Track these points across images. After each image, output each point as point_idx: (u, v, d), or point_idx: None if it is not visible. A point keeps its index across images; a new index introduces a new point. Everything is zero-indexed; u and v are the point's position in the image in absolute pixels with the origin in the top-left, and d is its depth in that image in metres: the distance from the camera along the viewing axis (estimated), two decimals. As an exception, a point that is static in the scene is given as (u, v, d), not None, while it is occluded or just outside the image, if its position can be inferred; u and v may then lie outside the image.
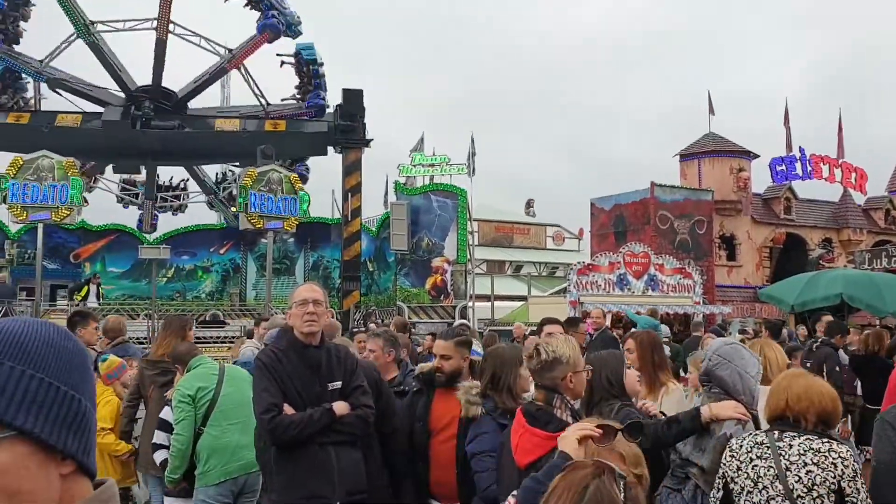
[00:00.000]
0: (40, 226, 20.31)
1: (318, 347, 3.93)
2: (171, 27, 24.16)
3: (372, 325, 13.73)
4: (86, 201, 21.66)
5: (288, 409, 3.76)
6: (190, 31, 24.80)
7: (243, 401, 4.95)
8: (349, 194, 24.13)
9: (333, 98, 25.52)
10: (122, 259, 27.17)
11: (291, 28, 24.47)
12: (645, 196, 24.73)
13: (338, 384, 3.91)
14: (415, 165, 26.74)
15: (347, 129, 24.44)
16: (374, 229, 28.13)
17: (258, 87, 25.48)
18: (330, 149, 25.41)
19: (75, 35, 23.81)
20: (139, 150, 24.78)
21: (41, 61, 24.11)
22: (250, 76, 25.39)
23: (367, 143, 25.00)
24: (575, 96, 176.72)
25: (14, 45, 24.14)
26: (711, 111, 27.42)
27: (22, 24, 24.22)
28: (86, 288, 22.06)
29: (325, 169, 27.59)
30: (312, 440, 3.76)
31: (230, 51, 25.09)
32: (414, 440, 4.51)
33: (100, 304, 20.95)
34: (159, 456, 5.19)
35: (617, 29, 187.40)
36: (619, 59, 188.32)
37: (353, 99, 24.77)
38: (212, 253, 27.96)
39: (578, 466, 1.73)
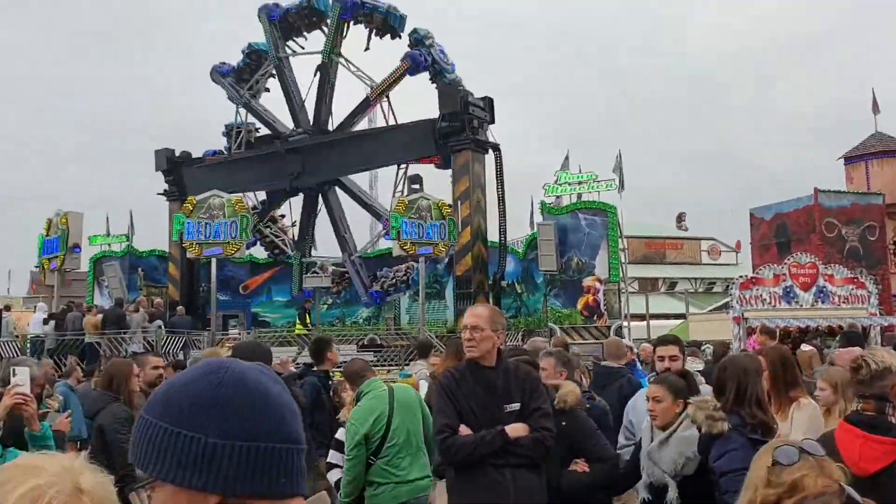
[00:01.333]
0: (213, 260, 21.85)
1: (495, 368, 3.93)
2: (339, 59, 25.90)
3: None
4: (251, 235, 23.01)
5: (464, 430, 3.79)
6: (353, 64, 26.45)
7: (413, 430, 5.09)
8: (458, 202, 23.75)
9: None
10: (285, 289, 28.75)
11: (442, 74, 25.13)
12: (808, 203, 23.30)
13: (516, 406, 3.88)
14: (561, 184, 26.44)
15: (452, 130, 23.95)
16: (520, 251, 28.08)
17: (395, 118, 26.39)
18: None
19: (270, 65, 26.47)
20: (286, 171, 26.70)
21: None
22: (391, 109, 26.31)
23: (484, 146, 24.17)
24: (722, 103, 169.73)
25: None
26: (876, 110, 25.50)
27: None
28: (307, 316, 23.52)
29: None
30: (487, 462, 3.76)
31: (374, 82, 26.14)
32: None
33: (309, 328, 22.21)
34: (333, 476, 5.39)
35: (765, 32, 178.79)
36: (769, 63, 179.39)
37: (451, 98, 23.96)
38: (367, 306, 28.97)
39: None
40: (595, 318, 24.09)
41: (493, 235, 24.86)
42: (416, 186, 24.70)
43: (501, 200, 25.26)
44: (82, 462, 1.14)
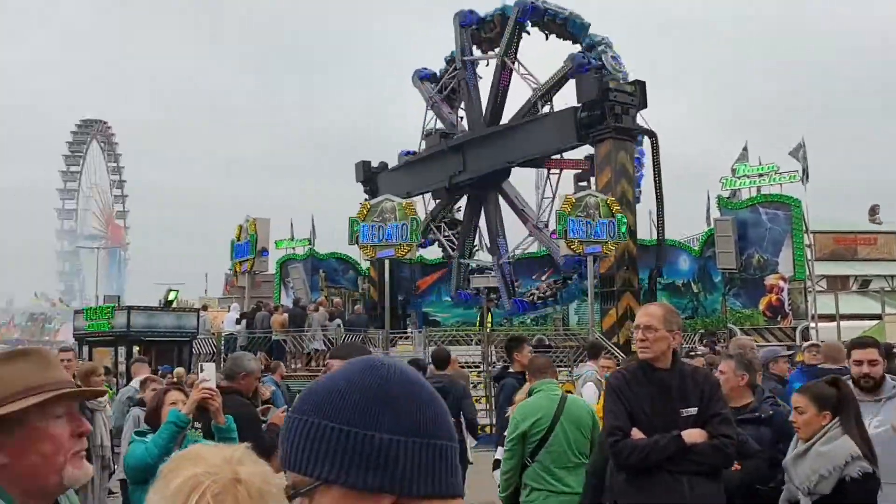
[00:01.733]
0: (386, 262, 22.68)
1: (669, 370, 3.76)
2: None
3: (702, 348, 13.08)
4: (421, 237, 23.64)
5: (636, 434, 3.65)
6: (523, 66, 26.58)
7: (576, 443, 4.97)
8: (603, 194, 22.55)
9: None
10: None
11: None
12: None
13: (693, 410, 3.69)
14: (739, 177, 25.09)
15: (592, 119, 22.92)
16: (696, 249, 26.92)
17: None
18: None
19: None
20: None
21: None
22: (551, 108, 26.08)
23: (629, 133, 22.87)
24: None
25: None
26: None
27: None
28: (489, 314, 24.00)
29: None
30: (662, 468, 3.60)
31: (539, 83, 26.07)
32: None
33: (489, 328, 22.57)
34: (497, 475, 5.48)
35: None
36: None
37: (589, 87, 22.97)
38: (534, 280, 28.85)
39: None
40: (779, 318, 22.66)
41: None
42: (584, 184, 24.35)
43: (658, 190, 24.23)
44: (244, 453, 1.17)
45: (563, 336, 23.15)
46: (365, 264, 28.65)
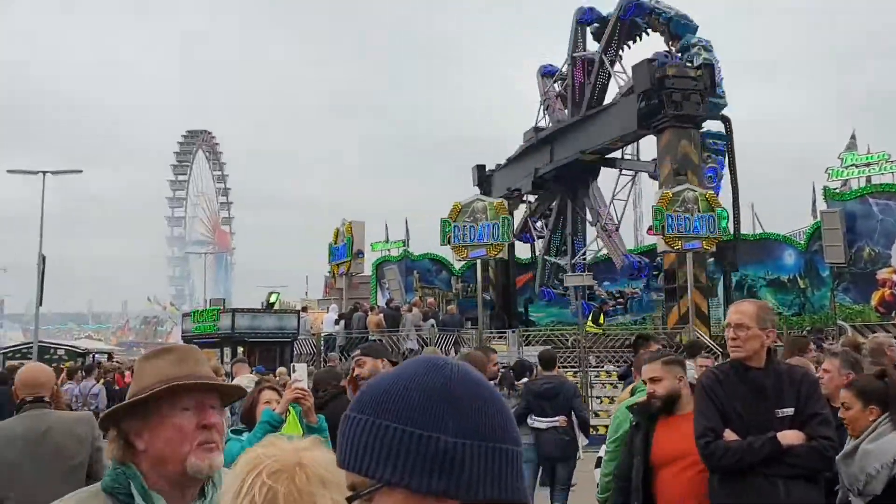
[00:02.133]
0: (478, 262, 22.76)
1: (764, 369, 3.64)
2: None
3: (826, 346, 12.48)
4: (512, 236, 23.57)
5: (729, 435, 3.55)
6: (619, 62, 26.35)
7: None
8: (662, 186, 21.79)
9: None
10: (547, 288, 29.14)
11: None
12: None
13: (789, 411, 3.55)
14: (847, 167, 23.88)
15: (650, 109, 22.01)
16: (801, 242, 25.80)
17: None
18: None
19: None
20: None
21: None
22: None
23: (692, 120, 21.68)
24: None
25: None
26: None
27: None
28: (602, 315, 23.73)
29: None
30: (756, 470, 3.48)
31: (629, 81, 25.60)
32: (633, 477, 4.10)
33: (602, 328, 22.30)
34: (597, 473, 5.40)
35: None
36: None
37: (642, 76, 22.06)
38: (631, 279, 28.31)
39: None
40: (893, 314, 21.43)
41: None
42: (682, 177, 23.71)
43: (733, 179, 23.17)
44: (316, 444, 1.22)
45: (663, 334, 22.63)
46: (458, 265, 28.83)
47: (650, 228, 23.61)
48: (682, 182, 21.67)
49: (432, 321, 20.72)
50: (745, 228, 27.31)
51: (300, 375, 4.01)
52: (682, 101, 21.90)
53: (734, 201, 23.49)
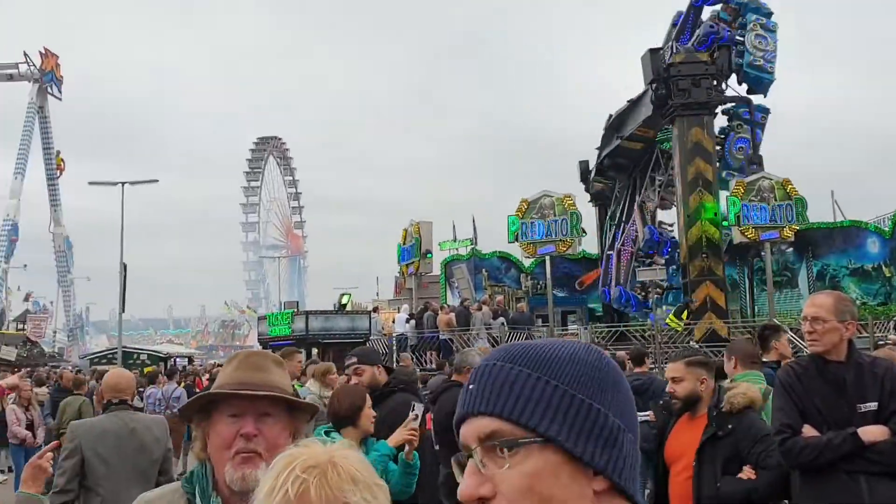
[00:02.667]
0: (548, 258, 22.56)
1: (844, 363, 3.49)
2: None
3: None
4: (584, 231, 23.27)
5: (808, 431, 3.42)
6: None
7: None
8: (675, 179, 21.03)
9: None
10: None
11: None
12: None
13: (872, 405, 3.40)
14: (934, 149, 22.78)
15: (661, 98, 21.24)
16: (886, 229, 24.72)
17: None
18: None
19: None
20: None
21: None
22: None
23: (706, 107, 20.92)
24: None
25: None
26: None
27: None
28: (685, 311, 23.24)
29: (815, 171, 24.94)
30: (837, 468, 3.34)
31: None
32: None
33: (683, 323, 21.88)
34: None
35: None
36: None
37: (647, 65, 21.45)
38: (650, 253, 27.63)
39: None
40: None
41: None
42: (755, 167, 23.02)
43: (755, 156, 22.43)
44: (350, 447, 1.24)
45: (741, 328, 22.03)
46: (527, 262, 28.65)
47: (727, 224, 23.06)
48: (757, 171, 21.04)
49: (502, 319, 20.64)
50: (826, 216, 26.37)
51: (416, 415, 4.15)
52: (692, 87, 21.28)
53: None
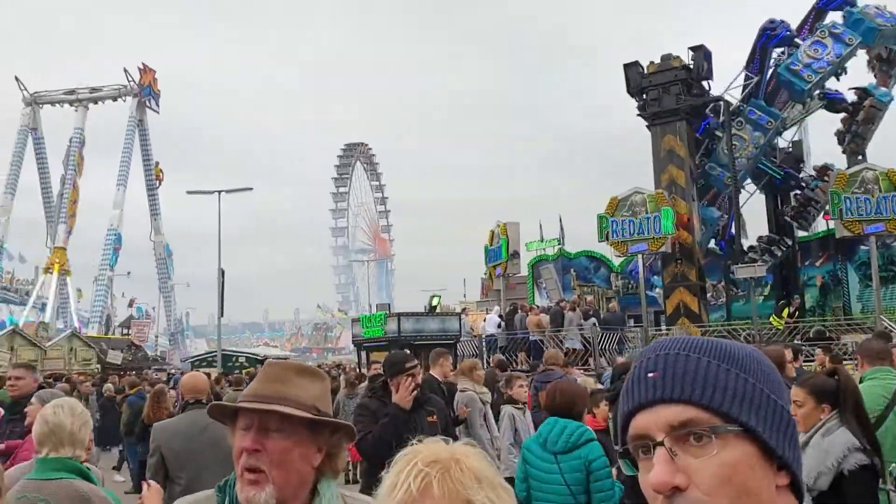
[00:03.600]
0: (639, 257, 22.10)
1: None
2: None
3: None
4: (677, 229, 22.69)
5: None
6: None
7: None
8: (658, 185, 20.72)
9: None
10: (713, 278, 27.77)
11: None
12: None
13: None
14: None
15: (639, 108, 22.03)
16: None
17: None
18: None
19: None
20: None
21: None
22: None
23: (677, 111, 21.56)
24: None
25: None
26: None
27: None
28: (787, 309, 22.53)
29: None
30: None
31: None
32: None
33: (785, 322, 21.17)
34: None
35: None
36: None
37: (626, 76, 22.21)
38: (807, 266, 26.51)
39: None
40: None
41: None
42: (860, 157, 21.97)
43: (732, 167, 22.13)
44: (469, 445, 1.23)
45: (845, 327, 21.05)
46: (617, 261, 28.13)
47: (826, 213, 22.08)
48: (861, 162, 20.05)
49: (594, 320, 20.35)
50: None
51: None
52: (662, 95, 22.26)
53: (734, 193, 23.03)
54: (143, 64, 59.27)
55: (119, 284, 58.94)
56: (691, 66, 22.76)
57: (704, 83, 23.39)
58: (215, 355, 32.13)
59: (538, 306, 24.15)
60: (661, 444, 0.96)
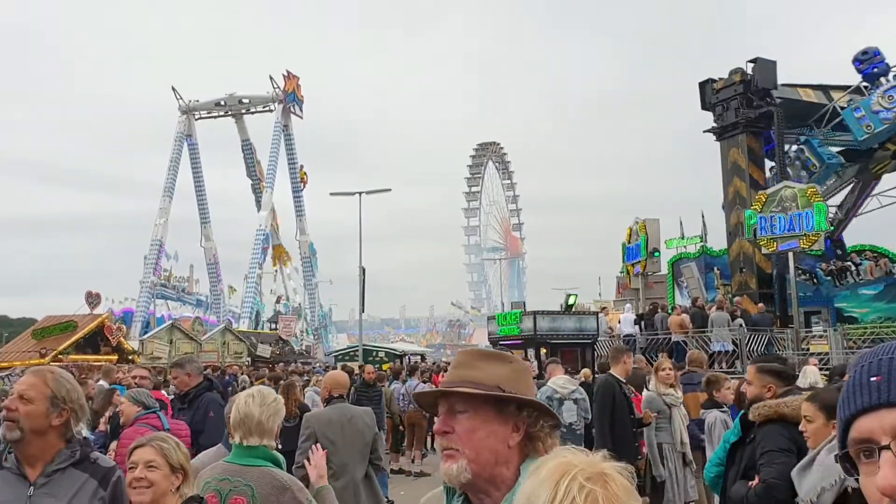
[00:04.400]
0: (790, 254, 21.01)
1: None
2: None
3: None
4: (831, 225, 21.47)
5: None
6: None
7: None
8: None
9: None
10: (875, 282, 25.99)
11: None
12: None
13: None
14: None
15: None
16: None
17: None
18: None
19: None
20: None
21: None
22: None
23: (737, 125, 22.73)
24: None
25: None
26: None
27: None
28: None
29: None
30: None
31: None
32: None
33: None
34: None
35: None
36: None
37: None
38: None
39: None
40: None
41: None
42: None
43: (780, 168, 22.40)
44: (605, 456, 1.22)
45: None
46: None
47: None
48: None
49: (741, 320, 19.51)
50: None
51: None
52: (724, 112, 23.50)
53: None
54: (287, 71, 62.09)
55: (267, 282, 62.11)
56: (750, 79, 23.57)
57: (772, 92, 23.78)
58: (357, 350, 33.22)
59: (680, 306, 23.45)
60: (888, 447, 0.96)
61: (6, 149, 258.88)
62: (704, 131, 24.41)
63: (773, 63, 23.52)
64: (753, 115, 23.19)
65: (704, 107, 24.17)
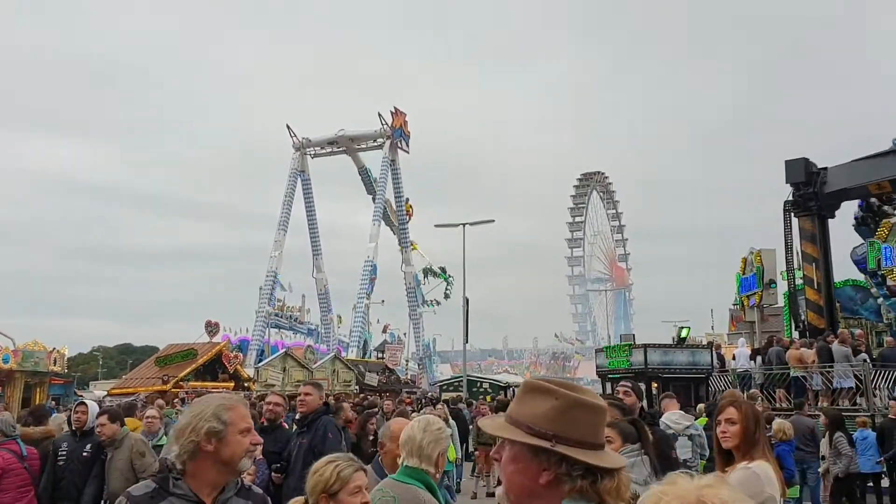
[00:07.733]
0: (919, 286, 19.93)
1: None
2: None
3: None
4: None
5: None
6: None
7: None
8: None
9: None
10: None
11: None
12: None
13: None
14: None
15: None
16: None
17: None
18: None
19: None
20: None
21: None
22: None
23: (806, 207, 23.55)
24: None
25: None
26: None
27: None
28: None
29: None
30: None
31: None
32: None
33: None
34: None
35: None
36: None
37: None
38: None
39: None
40: None
41: None
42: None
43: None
44: (720, 481, 1.20)
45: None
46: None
47: None
48: None
49: (864, 355, 18.52)
50: None
51: None
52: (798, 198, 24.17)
53: None
54: (394, 108, 63.84)
55: (374, 312, 63.41)
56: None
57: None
58: (461, 380, 33.41)
59: (799, 339, 22.48)
60: None
61: (134, 186, 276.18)
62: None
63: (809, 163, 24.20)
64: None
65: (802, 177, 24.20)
